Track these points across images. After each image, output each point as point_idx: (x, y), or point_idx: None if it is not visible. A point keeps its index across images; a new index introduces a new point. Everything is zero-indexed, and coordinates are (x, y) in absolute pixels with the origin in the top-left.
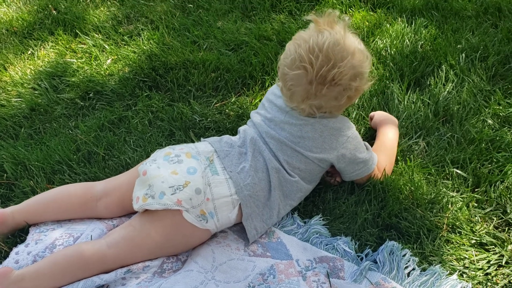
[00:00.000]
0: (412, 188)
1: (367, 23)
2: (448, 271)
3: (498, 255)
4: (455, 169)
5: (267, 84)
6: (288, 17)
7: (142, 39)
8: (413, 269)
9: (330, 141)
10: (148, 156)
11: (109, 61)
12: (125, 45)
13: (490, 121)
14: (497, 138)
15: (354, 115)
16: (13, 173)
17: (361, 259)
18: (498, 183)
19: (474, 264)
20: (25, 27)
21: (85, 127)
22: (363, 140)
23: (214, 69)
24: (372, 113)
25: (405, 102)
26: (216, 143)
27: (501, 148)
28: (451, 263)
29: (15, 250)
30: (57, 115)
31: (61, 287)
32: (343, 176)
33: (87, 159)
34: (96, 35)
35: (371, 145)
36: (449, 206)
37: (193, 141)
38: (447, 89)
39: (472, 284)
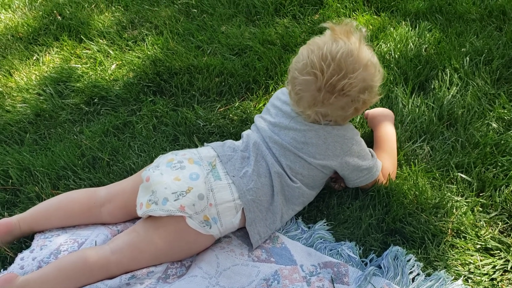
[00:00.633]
0: (417, 192)
1: (371, 26)
2: (453, 276)
3: (503, 260)
4: (459, 174)
5: (270, 89)
6: (292, 21)
7: (146, 44)
8: (418, 274)
9: (334, 148)
10: (152, 161)
11: (113, 66)
12: (129, 50)
13: (494, 125)
14: (502, 142)
15: (358, 119)
16: (18, 178)
17: (366, 264)
18: (503, 187)
19: (479, 269)
20: (30, 33)
21: (89, 133)
22: (368, 144)
23: (218, 74)
24: (367, 111)
25: (409, 106)
26: (218, 147)
27: (506, 152)
28: (456, 268)
29: (20, 255)
30: (62, 120)
31: None
32: (347, 183)
33: (91, 165)
34: (101, 41)
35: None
36: (454, 210)
37: (196, 146)
38: (452, 93)
39: None
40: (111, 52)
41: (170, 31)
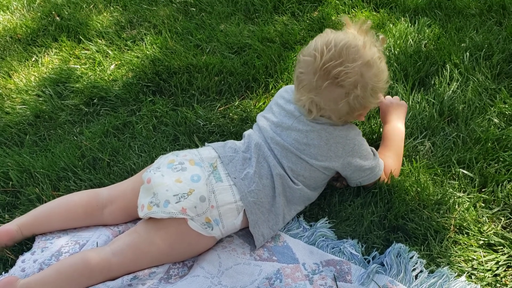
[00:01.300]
0: (418, 189)
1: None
2: (456, 273)
3: (506, 255)
4: (461, 169)
5: (270, 87)
6: (291, 19)
7: (145, 44)
8: (421, 271)
9: (336, 149)
10: (153, 161)
11: (112, 66)
12: (128, 50)
13: (496, 120)
14: (504, 137)
15: None
16: (18, 180)
17: (368, 262)
18: (505, 182)
19: (483, 265)
20: (29, 34)
21: (89, 133)
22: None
23: (218, 73)
24: (381, 100)
25: (410, 102)
26: (220, 148)
27: (507, 147)
28: (459, 265)
29: (21, 258)
30: (61, 121)
31: None
32: (349, 182)
33: (92, 165)
34: (100, 41)
35: (377, 146)
36: (456, 206)
37: (197, 146)
38: (452, 89)
39: (481, 285)
40: (110, 52)
41: (168, 30)
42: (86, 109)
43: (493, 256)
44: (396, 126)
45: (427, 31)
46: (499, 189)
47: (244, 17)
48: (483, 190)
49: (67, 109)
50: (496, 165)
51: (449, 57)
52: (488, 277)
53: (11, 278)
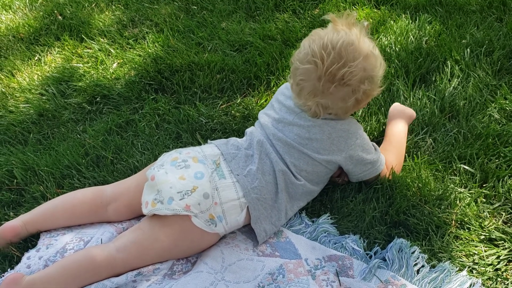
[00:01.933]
0: (420, 184)
1: (371, 20)
2: (458, 268)
3: (507, 250)
4: (462, 165)
5: (272, 84)
6: (292, 16)
7: (147, 42)
8: (423, 266)
9: (338, 142)
10: (156, 159)
11: (115, 65)
12: (130, 48)
13: (496, 116)
14: (504, 132)
15: (360, 113)
16: (22, 178)
17: (370, 257)
18: (506, 178)
19: (484, 260)
20: (32, 33)
21: (93, 131)
22: (370, 137)
23: (219, 71)
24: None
25: (411, 99)
26: (222, 145)
27: (508, 142)
28: (460, 259)
29: (26, 255)
30: (65, 120)
31: None
32: (351, 177)
33: (95, 163)
34: (102, 40)
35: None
36: (457, 202)
37: (200, 144)
38: (453, 85)
39: (482, 280)
40: (112, 50)
41: (170, 29)
42: (89, 108)
43: (494, 250)
44: (398, 127)
45: (428, 27)
46: (500, 184)
47: (245, 14)
48: (484, 185)
49: (70, 108)
50: (497, 160)
51: (450, 54)
52: (489, 271)
53: (17, 274)
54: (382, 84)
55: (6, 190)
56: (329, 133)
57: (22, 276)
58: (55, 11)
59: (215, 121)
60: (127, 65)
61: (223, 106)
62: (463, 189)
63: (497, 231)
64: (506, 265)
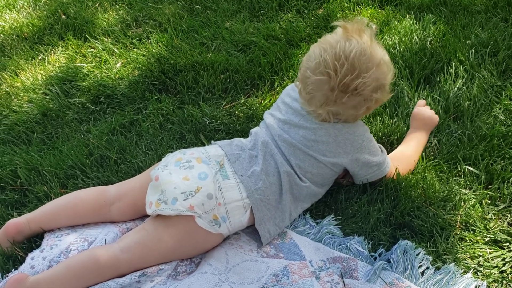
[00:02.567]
0: (424, 186)
1: (375, 20)
2: (463, 270)
3: None
4: (467, 166)
5: (276, 84)
6: (296, 16)
7: (151, 42)
8: (427, 268)
9: (344, 145)
10: (159, 159)
11: (118, 64)
12: (134, 48)
13: (501, 117)
14: (509, 134)
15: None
16: (26, 178)
17: (375, 258)
18: (511, 179)
19: (489, 262)
20: (35, 33)
21: (96, 131)
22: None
23: (223, 71)
24: (419, 103)
25: (415, 99)
26: (226, 146)
27: None
28: (465, 261)
29: (30, 255)
30: (68, 119)
31: None
32: (355, 179)
33: (99, 163)
34: (106, 39)
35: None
36: (462, 203)
37: (203, 144)
38: (457, 86)
39: (487, 282)
40: (116, 50)
41: (174, 28)
42: (93, 107)
43: (500, 253)
44: (418, 135)
45: (432, 28)
46: (505, 186)
47: (249, 14)
48: (489, 187)
49: (74, 108)
50: (502, 162)
51: (455, 54)
52: (495, 273)
53: (21, 275)
54: (391, 90)
55: (10, 190)
56: (335, 136)
57: (26, 276)
58: (59, 11)
59: (218, 121)
60: (131, 65)
61: (227, 106)
62: (468, 191)
63: (502, 233)
64: (511, 267)
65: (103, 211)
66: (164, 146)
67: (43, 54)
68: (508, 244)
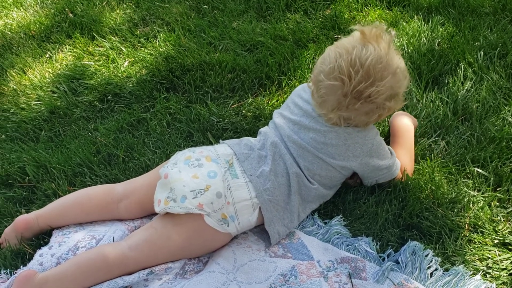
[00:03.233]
0: (433, 187)
1: (383, 21)
2: (471, 271)
3: None
4: (475, 168)
5: (283, 85)
6: (304, 17)
7: (158, 41)
8: (436, 269)
9: (354, 149)
10: (167, 158)
11: (126, 63)
12: (141, 47)
13: (510, 119)
14: None
15: None
16: (34, 176)
17: (383, 259)
18: None
19: (498, 264)
20: (43, 31)
21: (104, 130)
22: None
23: (231, 70)
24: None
25: (424, 101)
26: (235, 145)
27: None
28: (474, 263)
29: (39, 252)
30: (76, 117)
31: None
32: (364, 181)
33: (107, 161)
34: (113, 38)
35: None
36: (471, 205)
37: (211, 143)
38: (466, 87)
39: (496, 284)
40: (123, 49)
41: (181, 28)
42: (100, 106)
43: (509, 255)
44: (403, 122)
45: (441, 29)
46: None
47: (256, 14)
48: (498, 189)
49: (81, 106)
50: (511, 164)
51: (463, 56)
52: (504, 276)
53: (30, 272)
54: (405, 99)
55: (18, 187)
56: (345, 139)
57: (35, 273)
58: (66, 9)
59: (226, 120)
60: (139, 64)
61: (234, 105)
62: (477, 193)
63: (511, 235)
64: None
65: (110, 208)
66: (171, 145)
67: (51, 52)
68: None
